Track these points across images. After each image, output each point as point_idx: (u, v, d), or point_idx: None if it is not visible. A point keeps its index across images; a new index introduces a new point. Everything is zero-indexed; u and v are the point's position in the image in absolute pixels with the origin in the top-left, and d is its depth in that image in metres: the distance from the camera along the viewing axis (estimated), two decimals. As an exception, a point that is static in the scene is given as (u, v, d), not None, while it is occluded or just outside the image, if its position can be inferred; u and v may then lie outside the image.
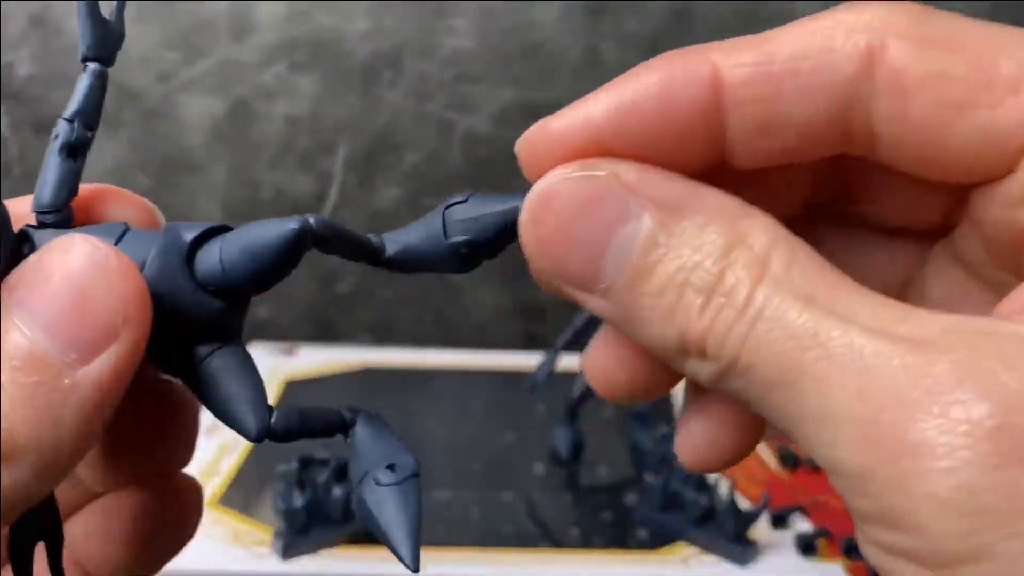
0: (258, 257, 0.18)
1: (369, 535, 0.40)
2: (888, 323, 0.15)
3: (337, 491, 0.49)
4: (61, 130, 0.20)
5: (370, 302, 0.78)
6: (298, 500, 0.48)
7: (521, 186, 0.19)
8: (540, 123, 0.19)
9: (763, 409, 0.16)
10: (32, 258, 0.18)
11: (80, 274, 0.17)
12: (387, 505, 0.18)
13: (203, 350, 0.19)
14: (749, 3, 0.71)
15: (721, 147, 0.18)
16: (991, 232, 0.19)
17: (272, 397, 0.65)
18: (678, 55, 0.18)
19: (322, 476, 0.50)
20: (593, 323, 0.46)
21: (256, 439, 0.19)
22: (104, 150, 0.73)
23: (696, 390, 0.20)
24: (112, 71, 0.20)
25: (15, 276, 0.18)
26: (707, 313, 0.16)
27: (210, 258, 0.19)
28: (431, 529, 0.51)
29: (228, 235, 0.19)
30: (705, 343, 0.17)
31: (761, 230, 0.17)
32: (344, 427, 0.20)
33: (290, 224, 0.18)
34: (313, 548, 0.48)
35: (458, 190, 0.20)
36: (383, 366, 0.71)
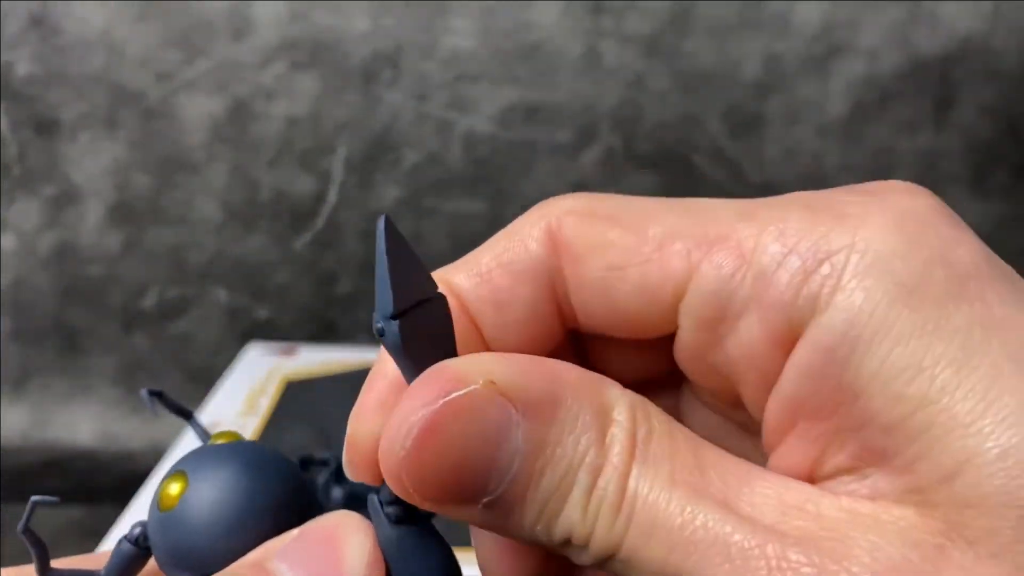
0: None
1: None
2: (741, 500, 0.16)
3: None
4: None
5: (370, 302, 0.77)
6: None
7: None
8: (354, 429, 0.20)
9: None
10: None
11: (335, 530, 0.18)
12: None
13: None
14: (749, 3, 0.71)
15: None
16: (696, 379, 0.20)
17: (271, 397, 0.65)
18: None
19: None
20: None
21: None
22: (104, 150, 0.73)
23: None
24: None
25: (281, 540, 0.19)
26: (589, 512, 0.17)
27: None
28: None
29: None
30: (589, 540, 0.17)
31: (619, 397, 0.18)
32: None
33: None
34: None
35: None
36: (383, 366, 0.71)
